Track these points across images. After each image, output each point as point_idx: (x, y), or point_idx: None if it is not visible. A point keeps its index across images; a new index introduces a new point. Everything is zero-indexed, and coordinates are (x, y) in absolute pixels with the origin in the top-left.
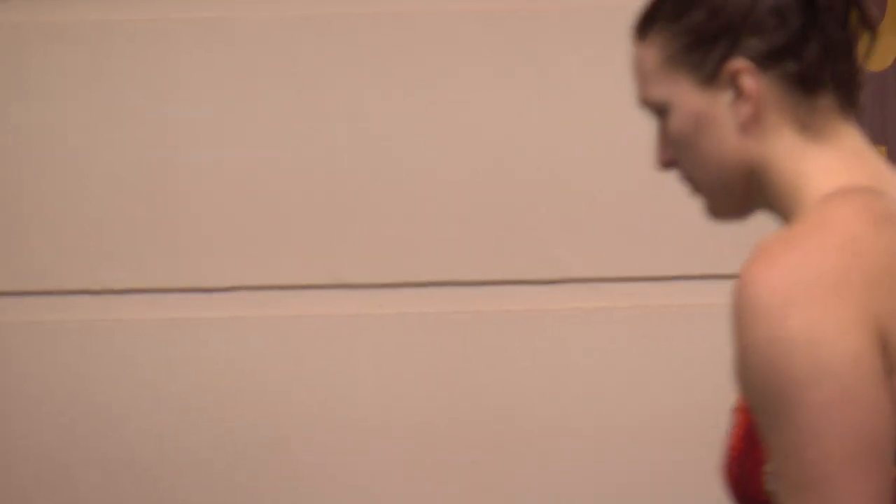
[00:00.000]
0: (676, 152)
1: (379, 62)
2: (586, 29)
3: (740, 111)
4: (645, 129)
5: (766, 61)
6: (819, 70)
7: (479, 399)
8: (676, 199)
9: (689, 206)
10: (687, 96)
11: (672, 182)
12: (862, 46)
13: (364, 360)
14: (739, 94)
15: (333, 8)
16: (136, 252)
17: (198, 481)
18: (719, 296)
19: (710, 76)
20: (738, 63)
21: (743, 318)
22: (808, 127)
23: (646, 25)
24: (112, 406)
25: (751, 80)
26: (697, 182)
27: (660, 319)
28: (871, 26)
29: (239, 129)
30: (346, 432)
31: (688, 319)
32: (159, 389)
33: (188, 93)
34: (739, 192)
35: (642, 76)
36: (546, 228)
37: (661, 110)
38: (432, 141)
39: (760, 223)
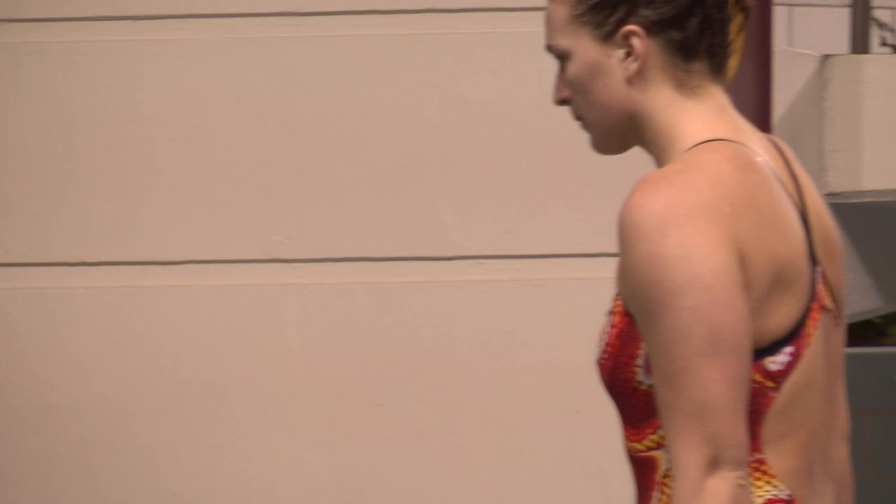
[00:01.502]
0: (572, 93)
1: (305, 70)
2: (476, 48)
3: (629, 66)
4: (528, 124)
5: (655, 28)
6: (697, 40)
7: (385, 353)
8: (550, 190)
9: (561, 196)
10: (586, 48)
11: (546, 175)
12: (735, 25)
13: (291, 321)
14: (630, 52)
15: (271, 32)
16: (108, 232)
17: (150, 429)
18: (587, 271)
19: (608, 34)
20: (632, 27)
21: (628, 238)
22: (684, 85)
23: None
24: (83, 362)
25: (640, 42)
26: (587, 120)
27: (536, 291)
28: (745, 8)
29: (192, 128)
30: (277, 383)
31: (559, 290)
32: (124, 347)
33: (146, 95)
34: (621, 132)
35: (552, 27)
36: (440, 212)
37: (563, 56)
38: (348, 137)
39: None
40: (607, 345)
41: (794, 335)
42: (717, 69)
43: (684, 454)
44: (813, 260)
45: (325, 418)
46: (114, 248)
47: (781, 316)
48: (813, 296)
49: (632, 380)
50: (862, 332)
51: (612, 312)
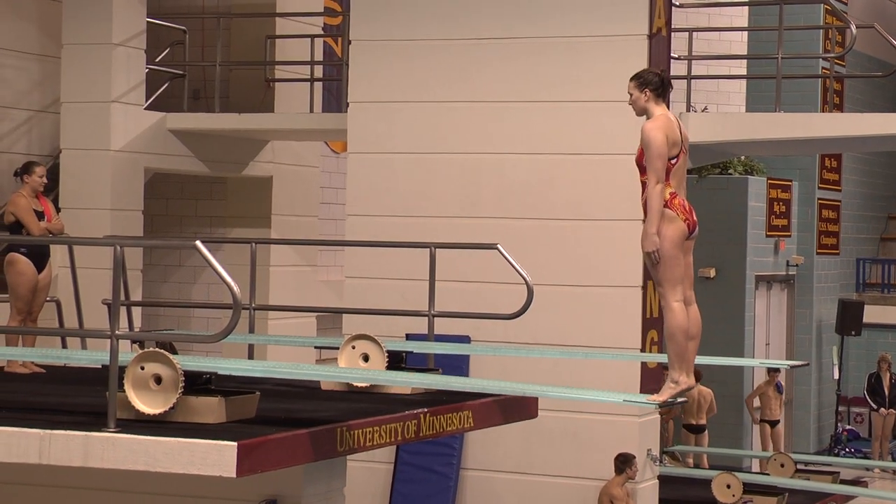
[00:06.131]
0: (633, 105)
1: None
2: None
3: (645, 97)
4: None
5: (650, 90)
6: (661, 92)
7: None
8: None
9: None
10: (637, 93)
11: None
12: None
13: None
14: (646, 94)
15: None
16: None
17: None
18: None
19: (641, 89)
20: (647, 89)
21: (644, 130)
22: (657, 102)
23: (633, 78)
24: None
25: (648, 92)
26: (635, 110)
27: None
28: (670, 84)
29: None
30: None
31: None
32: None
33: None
34: (642, 112)
35: (630, 86)
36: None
37: (631, 94)
38: None
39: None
40: (637, 155)
41: (677, 156)
42: (664, 97)
43: (652, 179)
44: (682, 140)
45: None
46: None
47: (674, 152)
48: (682, 148)
49: (643, 163)
50: None
51: (639, 148)
